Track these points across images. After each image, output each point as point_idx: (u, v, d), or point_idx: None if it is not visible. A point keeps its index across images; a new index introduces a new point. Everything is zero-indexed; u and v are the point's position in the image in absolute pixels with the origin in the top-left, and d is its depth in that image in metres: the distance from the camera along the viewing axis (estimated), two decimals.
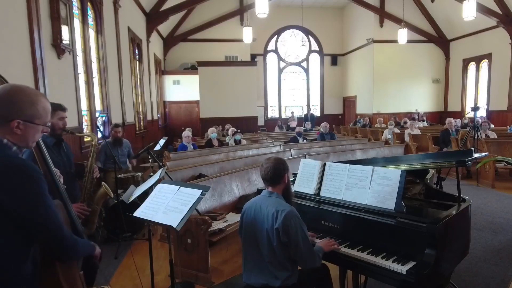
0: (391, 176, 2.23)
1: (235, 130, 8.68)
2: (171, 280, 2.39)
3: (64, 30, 4.65)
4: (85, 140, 5.45)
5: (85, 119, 5.90)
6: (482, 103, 13.21)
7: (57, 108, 2.56)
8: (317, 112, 18.26)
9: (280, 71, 17.89)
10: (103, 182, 2.76)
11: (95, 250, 1.69)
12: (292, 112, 17.35)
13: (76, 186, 2.69)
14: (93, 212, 2.66)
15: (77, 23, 5.64)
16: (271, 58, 17.68)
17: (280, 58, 17.78)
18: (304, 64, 18.11)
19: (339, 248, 2.23)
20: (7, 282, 1.29)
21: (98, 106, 6.49)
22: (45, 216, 1.32)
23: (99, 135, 5.32)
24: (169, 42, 14.69)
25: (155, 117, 12.16)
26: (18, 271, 1.31)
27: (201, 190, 2.15)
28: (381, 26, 14.64)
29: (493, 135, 7.96)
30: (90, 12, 6.36)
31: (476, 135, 6.87)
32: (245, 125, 13.01)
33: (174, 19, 13.07)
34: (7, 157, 1.30)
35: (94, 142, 2.76)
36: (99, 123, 6.30)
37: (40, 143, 1.66)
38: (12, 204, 1.24)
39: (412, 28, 14.17)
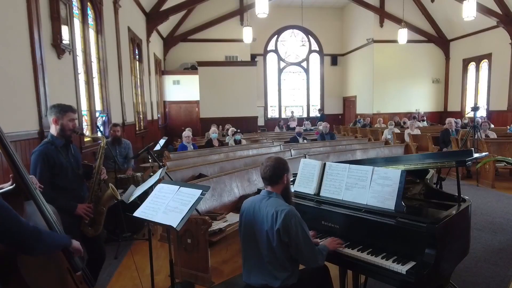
0: (391, 176, 2.23)
1: (235, 130, 8.68)
2: (171, 280, 2.39)
3: (64, 30, 4.65)
4: (85, 140, 5.46)
5: (85, 119, 5.90)
6: (482, 103, 13.21)
7: (68, 109, 2.55)
8: (317, 112, 18.28)
9: (280, 71, 17.90)
10: (110, 184, 2.76)
11: (69, 243, 1.65)
12: (292, 112, 17.37)
13: (84, 187, 2.70)
14: (99, 213, 2.66)
15: (77, 23, 5.64)
16: (271, 58, 17.68)
17: (280, 58, 17.78)
18: (304, 64, 18.11)
19: (343, 247, 2.23)
20: None
21: (98, 106, 6.49)
22: None
23: (99, 135, 5.32)
24: (169, 42, 14.69)
25: (155, 117, 12.16)
26: None
27: (201, 190, 2.16)
28: (381, 26, 14.65)
29: (493, 135, 7.96)
30: (90, 12, 6.36)
31: (476, 135, 6.87)
32: (245, 125, 13.01)
33: (174, 19, 13.07)
34: None
35: (103, 143, 2.76)
36: (99, 123, 6.30)
37: (8, 146, 1.60)
38: None
39: (412, 28, 14.17)
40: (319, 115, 16.27)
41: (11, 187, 1.66)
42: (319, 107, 18.21)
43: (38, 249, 1.44)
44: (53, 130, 2.54)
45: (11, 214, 1.34)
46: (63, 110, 2.52)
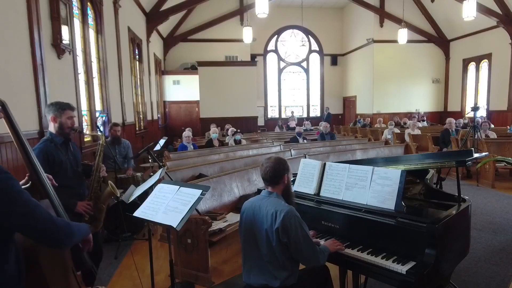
0: (391, 176, 2.23)
1: (235, 130, 8.68)
2: (171, 280, 2.39)
3: (64, 30, 4.65)
4: (85, 140, 5.46)
5: (85, 119, 5.90)
6: (482, 103, 13.21)
7: (66, 107, 2.57)
8: (317, 112, 18.28)
9: (280, 71, 17.89)
10: (109, 181, 2.77)
11: (89, 232, 1.66)
12: (292, 112, 17.37)
13: (83, 185, 2.71)
14: (99, 211, 2.67)
15: (77, 23, 5.64)
16: (271, 58, 17.68)
17: (280, 58, 17.78)
18: (304, 64, 18.11)
19: (343, 249, 2.22)
20: None
21: (98, 106, 6.49)
22: (27, 218, 1.27)
23: (98, 133, 5.32)
24: (169, 42, 14.69)
25: (155, 117, 12.16)
26: (1, 272, 1.28)
27: (201, 190, 2.15)
28: (381, 26, 14.65)
29: (493, 135, 7.95)
30: (90, 12, 6.36)
31: (476, 135, 6.86)
32: (245, 125, 13.02)
33: (174, 19, 13.07)
34: None
35: (102, 141, 2.78)
36: (99, 123, 6.30)
37: (25, 144, 1.62)
38: None
39: (412, 28, 14.17)
40: (319, 115, 16.22)
41: (27, 185, 1.68)
42: (319, 107, 18.24)
43: (69, 242, 1.44)
44: (52, 128, 2.55)
45: (41, 210, 1.34)
46: (61, 108, 2.54)
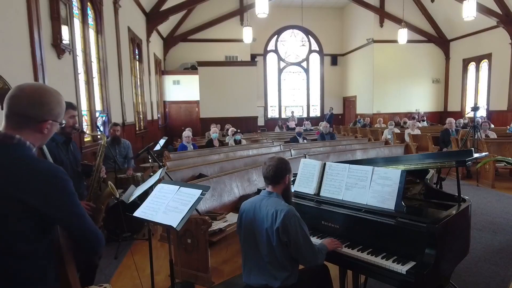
0: (391, 176, 2.23)
1: (235, 130, 8.68)
2: (171, 280, 2.39)
3: (64, 30, 4.65)
4: (85, 140, 5.45)
5: (85, 119, 5.90)
6: (482, 103, 13.22)
7: (68, 106, 2.57)
8: (317, 112, 18.28)
9: (280, 71, 17.90)
10: (109, 182, 2.77)
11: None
12: (292, 112, 17.37)
13: (83, 186, 2.72)
14: (98, 211, 2.67)
15: (77, 23, 5.64)
16: (271, 58, 17.68)
17: (280, 58, 17.78)
18: (304, 64, 18.11)
19: (341, 247, 2.23)
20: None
21: (98, 106, 6.49)
22: (81, 221, 1.34)
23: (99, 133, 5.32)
24: (169, 42, 14.69)
25: (155, 117, 12.17)
26: (44, 275, 1.31)
27: (201, 190, 2.15)
28: (381, 26, 14.65)
29: (493, 135, 7.95)
30: (90, 12, 6.36)
31: (476, 135, 6.86)
32: (245, 125, 13.02)
33: (174, 19, 13.08)
34: (35, 161, 1.29)
35: (103, 142, 2.77)
36: (99, 123, 6.30)
37: (44, 149, 1.68)
38: (49, 211, 1.25)
39: (412, 28, 14.17)
40: (319, 115, 16.19)
41: None
42: (319, 107, 18.24)
43: (99, 252, 1.50)
44: None
45: (91, 222, 1.40)
46: None
